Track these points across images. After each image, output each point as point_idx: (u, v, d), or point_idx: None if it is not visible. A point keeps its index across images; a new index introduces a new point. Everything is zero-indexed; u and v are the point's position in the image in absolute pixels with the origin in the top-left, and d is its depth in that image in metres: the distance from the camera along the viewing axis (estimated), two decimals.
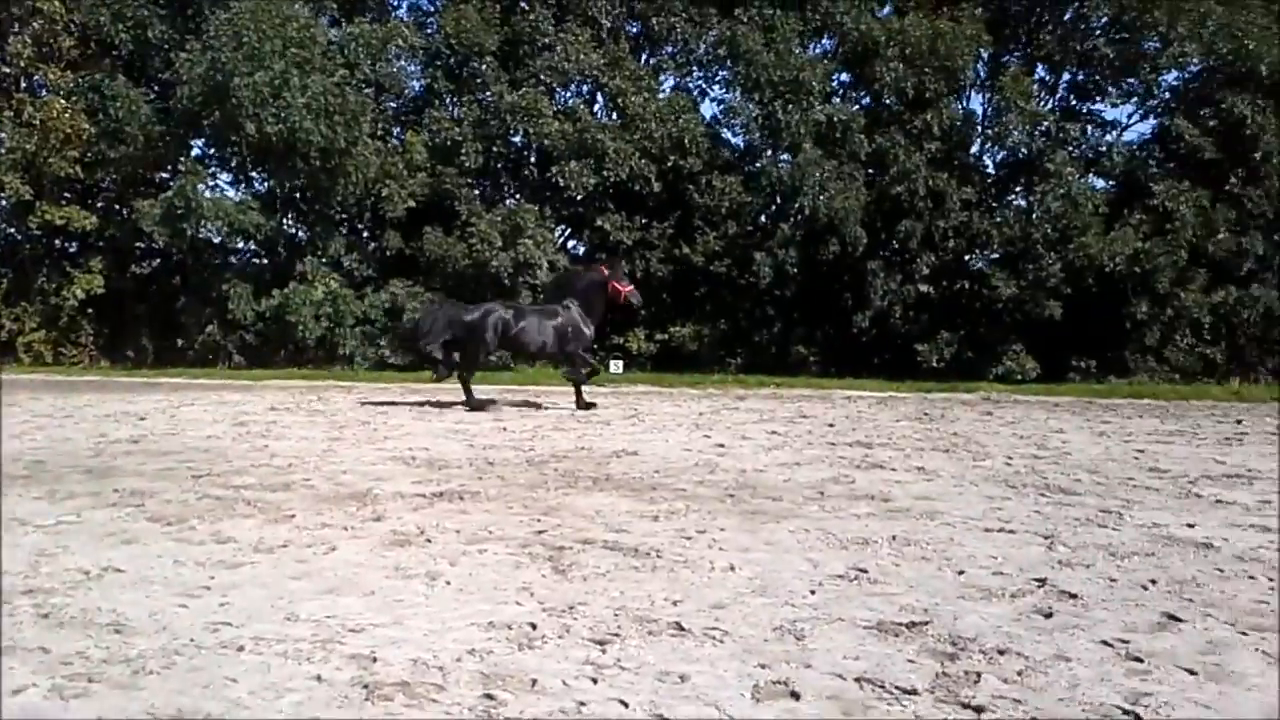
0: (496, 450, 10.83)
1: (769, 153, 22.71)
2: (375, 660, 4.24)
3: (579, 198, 22.96)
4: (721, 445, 11.55)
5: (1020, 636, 4.72)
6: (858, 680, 4.10)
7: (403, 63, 24.81)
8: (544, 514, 7.36)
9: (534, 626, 4.70)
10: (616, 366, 21.65)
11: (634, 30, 24.41)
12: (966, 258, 22.56)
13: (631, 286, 15.87)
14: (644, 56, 24.45)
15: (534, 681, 4.02)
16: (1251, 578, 6.22)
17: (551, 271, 23.19)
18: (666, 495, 8.23)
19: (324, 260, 23.55)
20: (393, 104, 25.52)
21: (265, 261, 24.90)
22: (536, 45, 23.21)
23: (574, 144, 22.20)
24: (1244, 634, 5.06)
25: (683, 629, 4.67)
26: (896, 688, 4.03)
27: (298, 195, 24.18)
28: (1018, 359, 20.92)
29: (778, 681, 4.08)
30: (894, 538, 6.74)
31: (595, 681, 4.04)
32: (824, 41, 23.44)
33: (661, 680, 4.05)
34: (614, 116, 23.20)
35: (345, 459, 10.07)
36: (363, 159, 22.48)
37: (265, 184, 24.49)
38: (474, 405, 14.97)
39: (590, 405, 15.21)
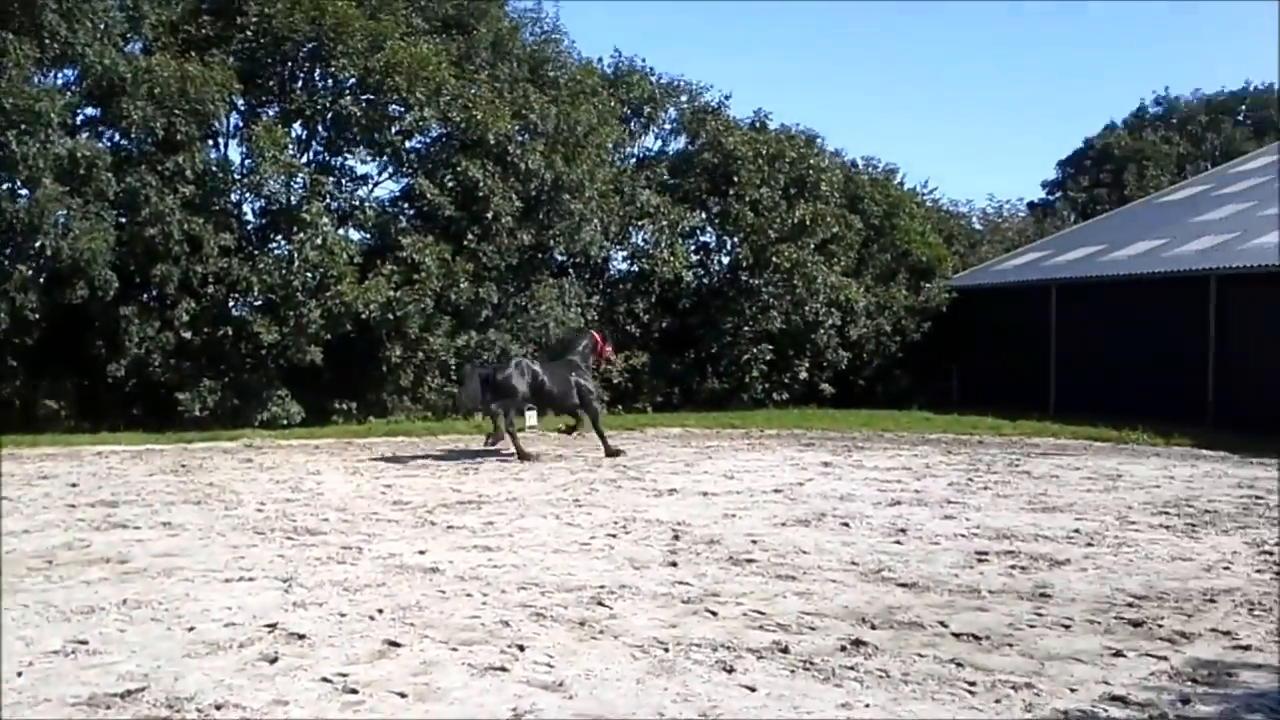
0: None
1: (3, 186, 20.18)
2: None
3: None
4: None
5: (242, 687, 4.79)
6: None
7: None
8: None
9: None
10: None
11: None
12: (229, 304, 22.17)
13: (610, 347, 18.52)
14: None
15: None
16: (468, 595, 7.02)
17: None
18: None
19: None
20: None
21: None
22: None
23: None
24: (454, 650, 5.69)
25: None
26: None
27: None
28: (283, 404, 21.06)
29: None
30: (125, 601, 6.43)
31: None
32: (65, 72, 21.47)
33: None
34: None
35: None
36: None
37: None
38: (524, 455, 15.69)
39: (617, 452, 16.46)
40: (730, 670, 5.56)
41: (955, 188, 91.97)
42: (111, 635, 5.64)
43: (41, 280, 20.24)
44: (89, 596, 6.54)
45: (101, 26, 20.46)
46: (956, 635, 6.29)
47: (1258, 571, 8.10)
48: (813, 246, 25.95)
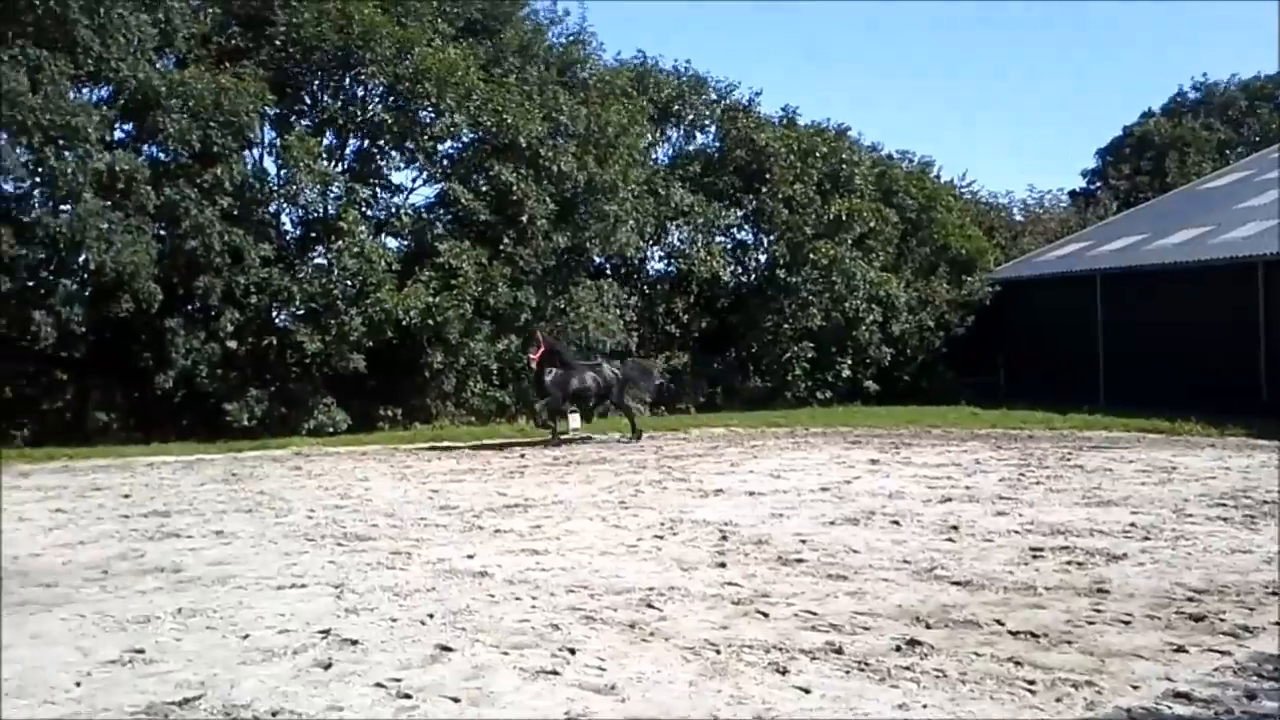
0: None
1: (45, 202, 20.47)
2: None
3: None
4: None
5: (297, 694, 4.79)
6: None
7: None
8: None
9: None
10: None
11: None
12: (272, 314, 22.40)
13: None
14: None
15: None
16: (518, 599, 7.00)
17: None
18: None
19: None
20: None
21: None
22: None
23: None
24: (505, 654, 5.66)
25: None
26: None
27: None
28: (329, 412, 21.23)
29: None
30: (180, 610, 6.47)
31: None
32: (101, 88, 21.73)
33: None
34: None
35: None
36: None
37: None
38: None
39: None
40: (784, 671, 5.49)
41: (994, 179, 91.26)
42: (167, 644, 5.67)
43: (87, 294, 20.54)
44: (144, 606, 6.59)
45: (134, 41, 20.65)
46: (1014, 633, 6.18)
47: None
48: (850, 242, 25.80)
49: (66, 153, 19.83)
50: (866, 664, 5.60)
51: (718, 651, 5.82)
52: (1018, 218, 38.25)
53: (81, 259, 20.13)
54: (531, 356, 18.97)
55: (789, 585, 7.45)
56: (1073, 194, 43.94)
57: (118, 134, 21.92)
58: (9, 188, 21.08)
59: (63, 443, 19.77)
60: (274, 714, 4.50)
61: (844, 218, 25.61)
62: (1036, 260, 29.66)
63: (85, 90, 21.58)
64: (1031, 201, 40.22)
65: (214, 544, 9.06)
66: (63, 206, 20.38)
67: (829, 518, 10.26)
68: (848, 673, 5.48)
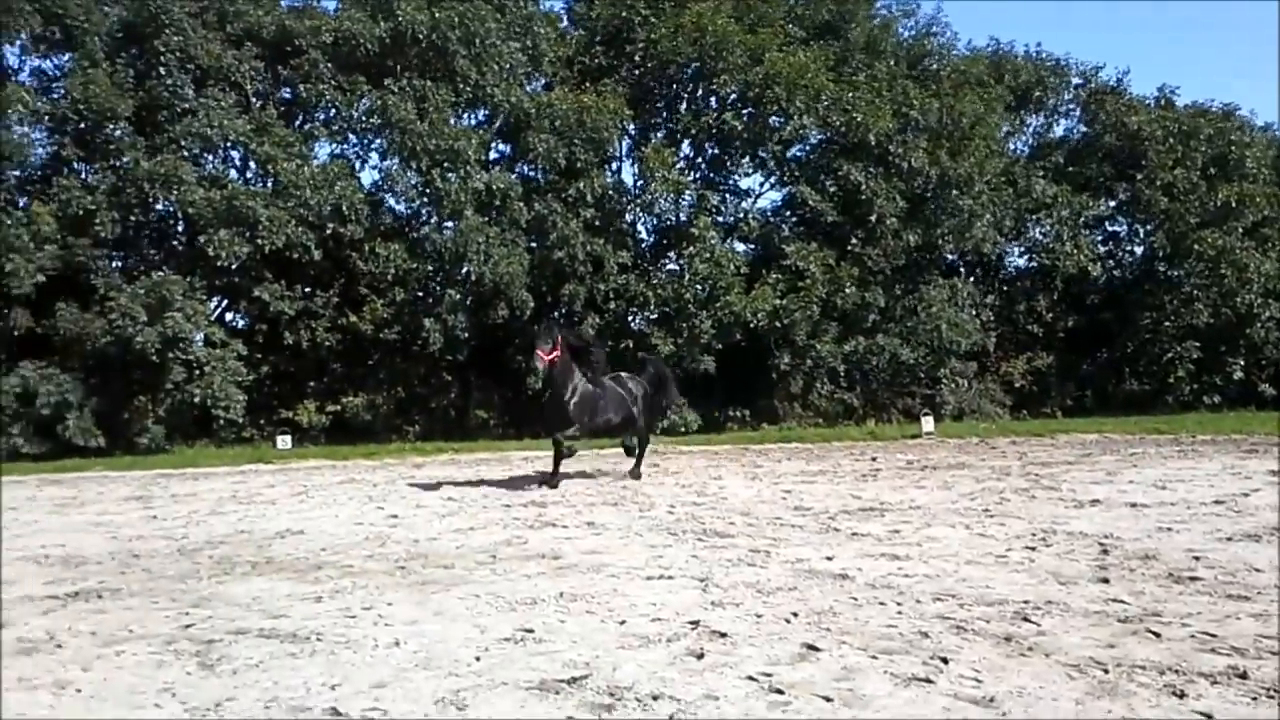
0: (144, 541, 10.01)
1: (432, 219, 22.73)
2: None
3: (232, 267, 21.86)
4: (395, 516, 11.31)
5: (673, 680, 4.92)
6: None
7: (25, 129, 22.60)
8: (194, 606, 6.88)
9: None
10: (284, 441, 20.68)
11: (284, 96, 23.70)
12: (629, 318, 23.53)
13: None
14: (297, 123, 23.75)
15: None
16: (881, 604, 6.83)
17: (208, 345, 21.86)
18: (332, 574, 7.94)
19: None
20: (15, 173, 23.15)
21: None
22: (176, 110, 21.94)
23: (222, 212, 21.12)
24: (874, 658, 5.53)
25: (339, 713, 4.51)
26: None
27: None
28: (681, 412, 21.97)
29: None
30: (561, 594, 6.86)
31: None
32: (478, 113, 23.85)
33: None
34: (266, 184, 22.34)
35: None
36: None
37: None
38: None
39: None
40: (1181, 695, 4.98)
41: None
42: (553, 625, 6.02)
43: (468, 302, 22.54)
44: (530, 589, 7.05)
45: (507, 67, 22.47)
46: None
47: None
48: (1241, 231, 23.37)
49: (450, 174, 21.90)
50: (1277, 691, 4.98)
51: (1105, 670, 5.38)
52: None
53: (464, 271, 22.14)
54: (541, 355, 13.34)
55: (1182, 604, 6.78)
56: None
57: (493, 154, 23.96)
58: (401, 208, 23.63)
59: (447, 437, 21.79)
60: (655, 698, 4.65)
61: (1234, 204, 23.23)
62: None
63: (465, 116, 23.75)
64: None
65: (586, 534, 9.59)
66: (447, 223, 22.52)
67: (1225, 533, 9.26)
68: (1254, 699, 4.89)
